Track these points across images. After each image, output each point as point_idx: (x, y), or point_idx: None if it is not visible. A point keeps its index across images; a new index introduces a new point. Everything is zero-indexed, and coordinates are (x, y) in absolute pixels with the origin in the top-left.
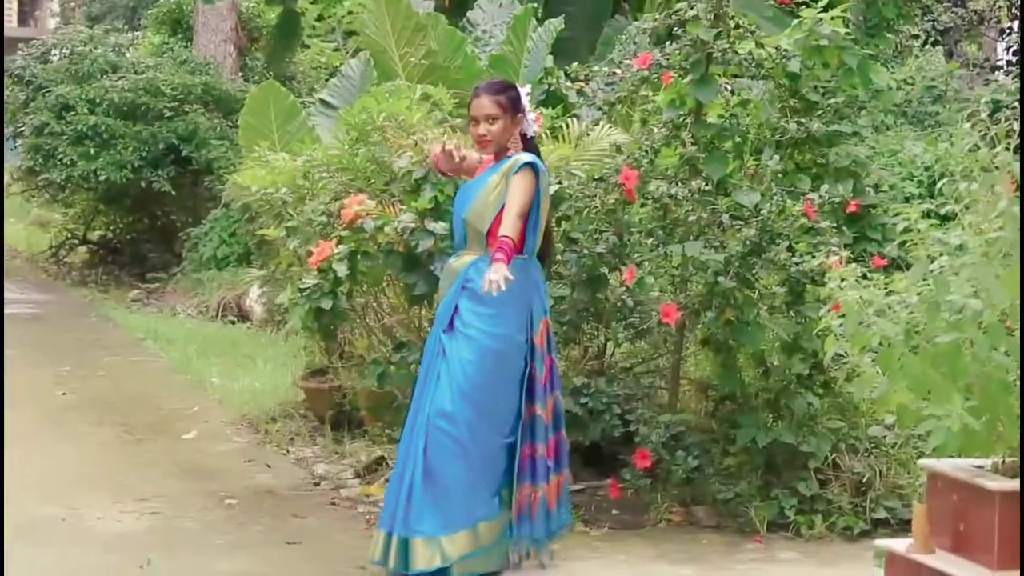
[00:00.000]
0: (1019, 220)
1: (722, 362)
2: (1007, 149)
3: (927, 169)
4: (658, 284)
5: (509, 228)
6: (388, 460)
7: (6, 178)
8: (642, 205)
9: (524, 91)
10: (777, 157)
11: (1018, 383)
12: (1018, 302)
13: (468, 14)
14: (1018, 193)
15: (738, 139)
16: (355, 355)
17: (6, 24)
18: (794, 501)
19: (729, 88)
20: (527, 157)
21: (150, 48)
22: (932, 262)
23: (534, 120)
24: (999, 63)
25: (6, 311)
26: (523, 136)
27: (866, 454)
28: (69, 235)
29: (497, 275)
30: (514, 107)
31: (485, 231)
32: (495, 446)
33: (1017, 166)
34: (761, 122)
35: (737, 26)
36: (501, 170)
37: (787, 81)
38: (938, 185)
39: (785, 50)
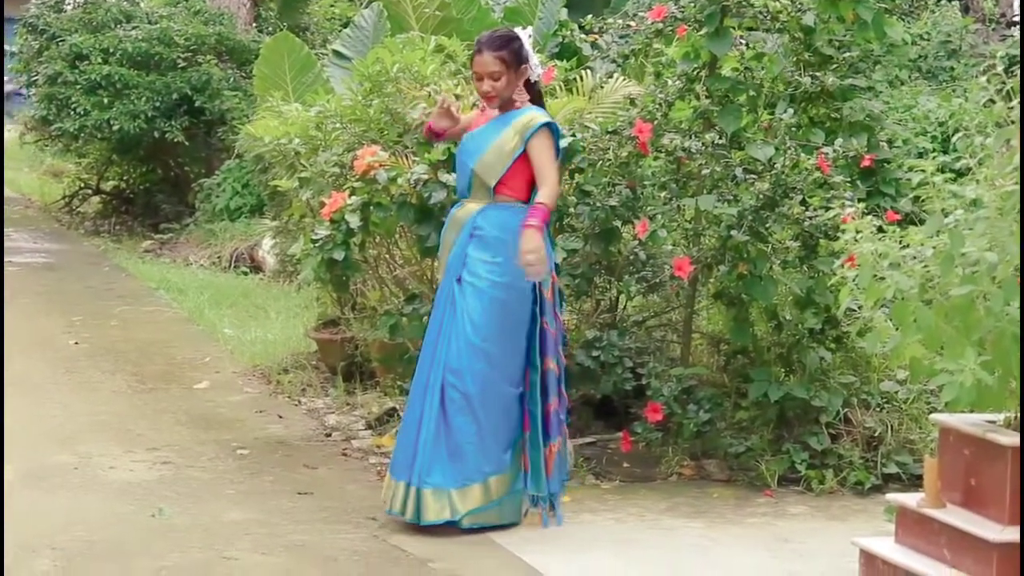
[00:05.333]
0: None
1: (734, 316)
2: (1021, 104)
3: (941, 124)
4: (671, 238)
5: (548, 196)
6: (399, 411)
7: (20, 127)
8: (655, 158)
9: (526, 36)
10: (791, 111)
11: None
12: None
13: None
14: None
15: (752, 93)
16: (367, 306)
17: None
18: (805, 456)
19: (744, 41)
20: (542, 116)
21: None
22: (947, 216)
23: (541, 69)
24: (1015, 18)
25: (20, 260)
26: (526, 82)
27: (878, 409)
28: (82, 185)
29: (531, 244)
30: (517, 60)
31: (493, 185)
32: (508, 398)
33: None
34: (775, 76)
35: None
36: (514, 125)
37: (802, 34)
38: (952, 140)
39: (800, 3)
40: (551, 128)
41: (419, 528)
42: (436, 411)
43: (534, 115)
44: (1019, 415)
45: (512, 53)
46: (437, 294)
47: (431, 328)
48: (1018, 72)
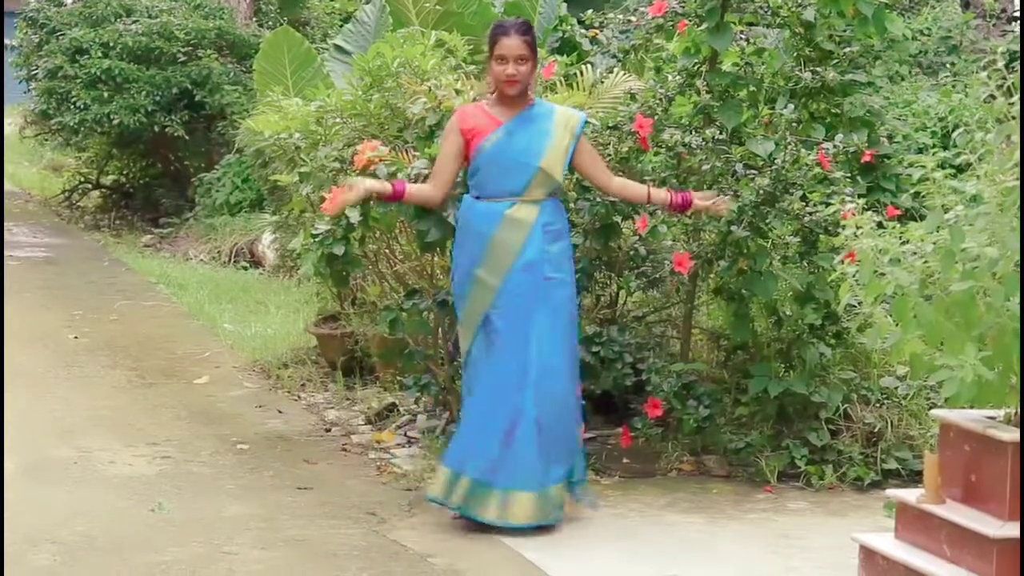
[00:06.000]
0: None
1: (734, 312)
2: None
3: (941, 120)
4: (671, 233)
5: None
6: (399, 406)
7: (19, 121)
8: (656, 153)
9: None
10: (791, 106)
11: None
12: None
13: None
14: None
15: (752, 88)
16: (367, 302)
17: None
18: (805, 451)
19: (744, 36)
20: (577, 111)
21: None
22: (947, 212)
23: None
24: (1016, 14)
25: (19, 254)
26: None
27: (878, 405)
28: (82, 179)
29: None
30: (536, 52)
31: (557, 179)
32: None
33: None
34: (776, 71)
35: None
36: (559, 123)
37: (802, 30)
38: (953, 136)
39: None
40: None
41: (419, 524)
42: (534, 413)
43: (570, 111)
44: (1019, 411)
45: (535, 41)
46: (506, 294)
47: (508, 328)
48: (1018, 68)
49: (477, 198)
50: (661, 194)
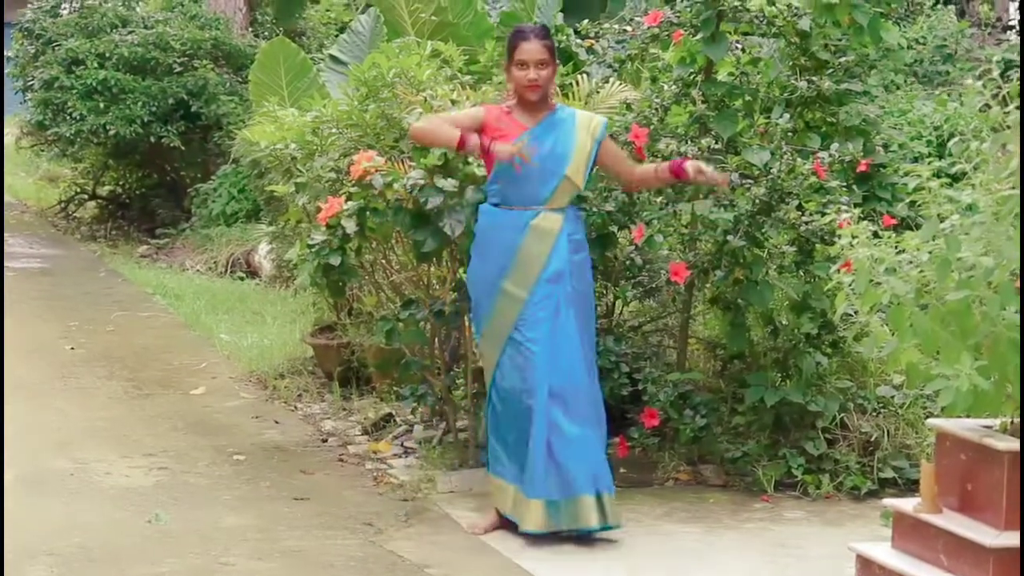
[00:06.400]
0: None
1: (731, 321)
2: (1018, 108)
3: (936, 129)
4: (667, 243)
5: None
6: (395, 416)
7: (16, 131)
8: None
9: None
10: (787, 115)
11: None
12: None
13: None
14: None
15: (748, 97)
16: (363, 312)
17: None
18: (802, 460)
19: (739, 46)
20: (598, 115)
21: (160, 3)
22: (943, 221)
23: None
24: (1011, 23)
25: (16, 265)
26: None
27: (874, 414)
28: (78, 190)
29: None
30: (556, 57)
31: (580, 186)
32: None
33: None
34: (771, 80)
35: None
36: (582, 127)
37: (798, 39)
38: (948, 144)
39: (796, 8)
40: None
41: (416, 534)
42: (585, 417)
43: (591, 115)
44: (1017, 419)
45: (554, 45)
46: (534, 309)
47: (542, 346)
48: (1013, 77)
49: (497, 206)
50: (664, 167)
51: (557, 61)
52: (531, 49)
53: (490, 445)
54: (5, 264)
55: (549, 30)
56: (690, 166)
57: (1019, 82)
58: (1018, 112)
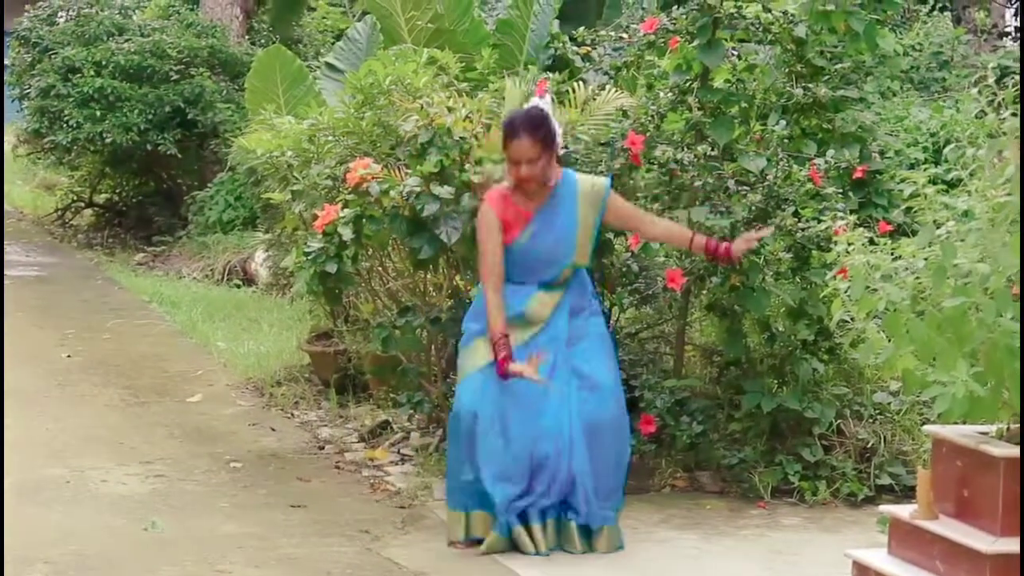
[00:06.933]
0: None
1: (727, 328)
2: (1014, 115)
3: (932, 135)
4: (663, 249)
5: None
6: (392, 424)
7: (12, 140)
8: (648, 170)
9: (548, 105)
10: (783, 122)
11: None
12: None
13: None
14: None
15: (744, 104)
16: (360, 319)
17: None
18: (798, 467)
19: (736, 53)
20: (600, 178)
21: (156, 11)
22: (938, 227)
23: (545, 96)
24: (1007, 29)
25: (12, 273)
26: None
27: (871, 420)
28: (75, 198)
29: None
30: (552, 140)
31: (586, 264)
32: None
33: None
34: (767, 87)
35: None
36: (583, 200)
37: (794, 46)
38: (944, 151)
39: (792, 14)
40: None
41: (412, 541)
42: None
43: (595, 180)
44: (1013, 425)
45: (548, 133)
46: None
47: (531, 398)
48: (1009, 83)
49: (508, 280)
50: (701, 241)
51: (556, 147)
52: (520, 147)
53: None
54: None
55: (542, 118)
56: (738, 250)
57: (1014, 89)
58: (1013, 119)
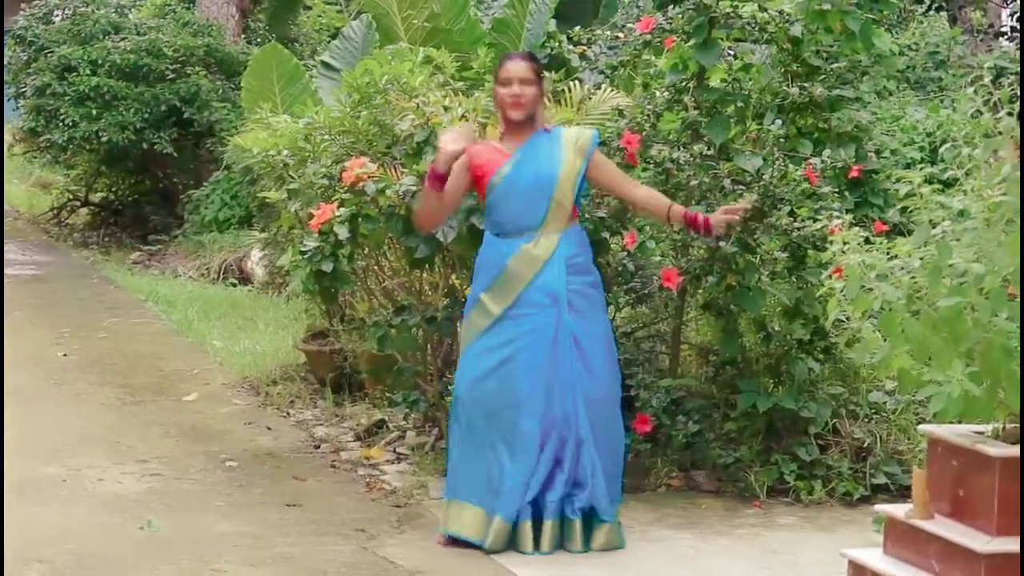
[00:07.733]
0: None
1: (723, 327)
2: (1010, 114)
3: (929, 135)
4: (659, 249)
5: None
6: (388, 423)
7: (8, 138)
8: (644, 169)
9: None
10: (779, 122)
11: (1019, 348)
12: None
13: None
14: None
15: (740, 103)
16: (356, 318)
17: None
18: (794, 466)
19: (732, 52)
20: (588, 129)
21: (152, 9)
22: (934, 227)
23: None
24: (1003, 29)
25: (8, 272)
26: None
27: (866, 420)
28: (71, 196)
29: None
30: (543, 80)
31: (570, 207)
32: None
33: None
34: (763, 86)
35: None
36: (567, 145)
37: (790, 45)
38: (940, 151)
39: (788, 14)
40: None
41: (408, 540)
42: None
43: (581, 130)
44: (1009, 425)
45: (540, 67)
46: (525, 331)
47: (536, 368)
48: (1005, 83)
49: (496, 235)
50: (680, 211)
51: (545, 88)
52: (514, 67)
53: None
54: None
55: (537, 57)
56: (718, 223)
57: (1010, 88)
58: (1009, 118)
